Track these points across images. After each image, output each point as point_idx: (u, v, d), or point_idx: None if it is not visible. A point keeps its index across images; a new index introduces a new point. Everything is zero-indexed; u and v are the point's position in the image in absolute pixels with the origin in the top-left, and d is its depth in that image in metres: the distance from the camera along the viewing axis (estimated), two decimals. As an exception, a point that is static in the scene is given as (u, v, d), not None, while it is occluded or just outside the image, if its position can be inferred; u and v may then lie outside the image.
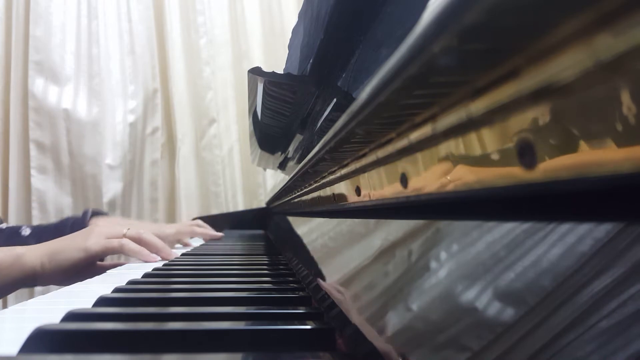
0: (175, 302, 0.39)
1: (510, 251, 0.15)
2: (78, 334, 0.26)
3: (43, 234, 0.96)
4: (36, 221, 1.56)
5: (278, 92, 0.69)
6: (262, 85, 0.69)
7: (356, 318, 0.25)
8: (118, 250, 0.74)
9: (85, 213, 1.03)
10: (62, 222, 1.03)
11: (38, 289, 1.48)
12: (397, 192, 0.25)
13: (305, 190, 0.61)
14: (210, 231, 1.20)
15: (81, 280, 0.54)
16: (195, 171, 1.70)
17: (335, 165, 0.38)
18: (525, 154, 0.13)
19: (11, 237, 0.94)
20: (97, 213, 1.05)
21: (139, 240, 0.76)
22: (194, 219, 1.40)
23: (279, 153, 1.06)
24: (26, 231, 0.96)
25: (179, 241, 1.08)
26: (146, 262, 0.72)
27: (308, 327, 0.27)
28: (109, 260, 0.84)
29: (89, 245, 0.72)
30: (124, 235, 0.75)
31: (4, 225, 0.99)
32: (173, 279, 0.55)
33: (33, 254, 0.72)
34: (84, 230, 0.79)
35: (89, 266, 0.74)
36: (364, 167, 0.31)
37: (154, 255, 0.74)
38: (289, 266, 0.58)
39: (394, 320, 0.21)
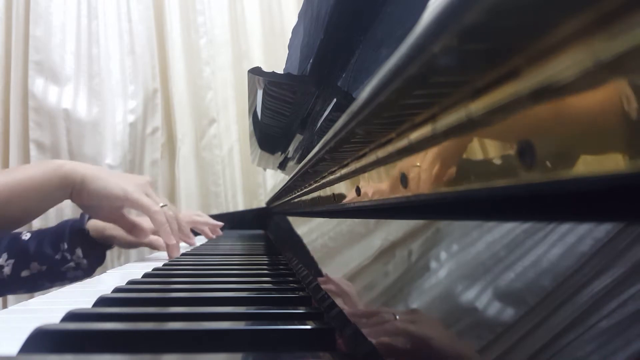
0: (175, 302, 0.39)
1: (510, 251, 0.15)
2: (78, 334, 0.26)
3: (43, 235, 0.96)
4: (36, 221, 1.56)
5: (278, 92, 0.69)
6: (262, 85, 0.69)
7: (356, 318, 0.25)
8: (148, 213, 0.74)
9: (83, 214, 1.04)
10: (61, 224, 1.04)
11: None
12: (397, 192, 0.25)
13: (305, 190, 0.61)
14: (211, 220, 1.20)
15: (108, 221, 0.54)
16: (195, 171, 1.70)
17: (335, 165, 0.38)
18: (525, 153, 0.13)
19: (12, 241, 0.94)
20: None
21: (170, 218, 0.76)
22: None
23: (279, 153, 1.06)
24: (26, 235, 0.97)
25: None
26: (164, 240, 0.72)
27: (308, 327, 0.27)
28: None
29: (130, 190, 0.73)
30: (161, 207, 0.76)
31: None
32: (173, 278, 0.55)
33: (76, 167, 0.73)
34: (131, 177, 0.80)
35: (116, 209, 0.74)
36: (364, 167, 0.31)
37: (172, 237, 0.74)
38: (289, 266, 0.58)
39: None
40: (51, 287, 0.94)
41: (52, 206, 0.76)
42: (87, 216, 1.03)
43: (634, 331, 0.10)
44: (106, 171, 0.78)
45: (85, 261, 0.94)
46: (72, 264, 0.93)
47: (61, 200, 0.76)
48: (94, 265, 0.97)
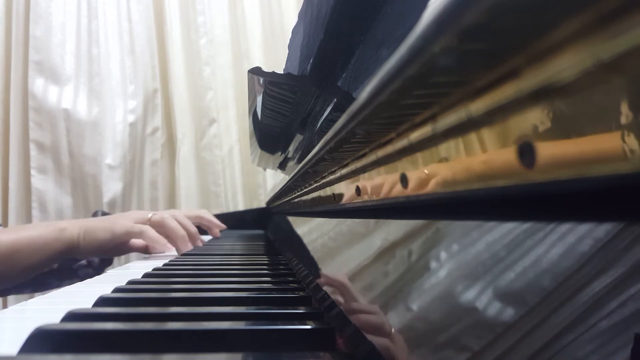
0: (175, 302, 0.39)
1: (510, 251, 0.15)
2: (78, 334, 0.26)
3: None
4: (36, 221, 1.56)
5: (278, 92, 0.69)
6: (262, 85, 0.69)
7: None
8: (138, 236, 0.78)
9: (96, 212, 1.06)
10: None
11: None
12: (397, 192, 0.25)
13: (305, 190, 0.61)
14: (215, 220, 1.22)
15: (116, 256, 0.57)
16: (195, 171, 1.70)
17: (335, 165, 0.38)
18: (525, 153, 0.13)
19: None
20: None
21: (161, 225, 0.81)
22: None
23: (279, 153, 1.06)
24: None
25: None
26: (161, 252, 0.75)
27: (308, 327, 0.27)
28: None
29: (115, 228, 0.78)
30: (149, 220, 0.80)
31: None
32: (173, 279, 0.55)
33: (73, 228, 0.78)
34: (120, 213, 0.84)
35: (118, 246, 0.79)
36: (364, 167, 0.31)
37: (170, 245, 0.78)
38: (289, 266, 0.58)
39: (394, 320, 0.21)
40: (60, 285, 0.95)
41: (51, 265, 0.81)
42: (99, 215, 1.05)
43: (634, 331, 0.10)
44: (95, 220, 0.82)
45: (96, 259, 0.95)
46: (84, 261, 0.94)
47: (64, 258, 0.81)
48: (105, 263, 0.99)
